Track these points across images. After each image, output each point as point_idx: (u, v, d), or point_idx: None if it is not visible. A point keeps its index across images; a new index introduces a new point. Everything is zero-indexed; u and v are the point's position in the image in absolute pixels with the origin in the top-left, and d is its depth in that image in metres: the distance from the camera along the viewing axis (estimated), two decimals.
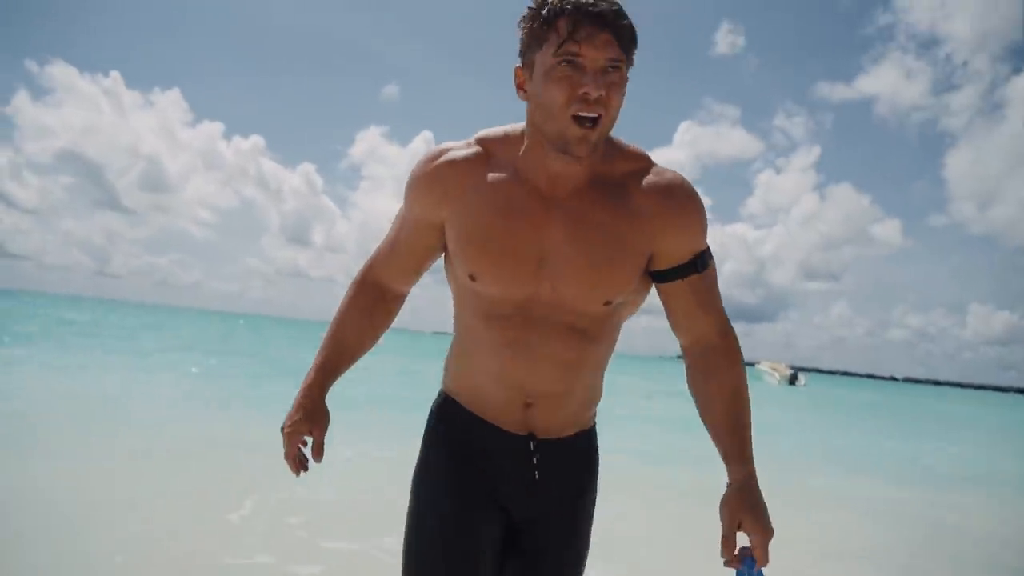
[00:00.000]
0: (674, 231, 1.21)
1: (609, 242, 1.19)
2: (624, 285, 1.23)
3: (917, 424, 20.88)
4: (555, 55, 1.07)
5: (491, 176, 1.20)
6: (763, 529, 1.13)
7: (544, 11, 1.09)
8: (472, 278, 1.23)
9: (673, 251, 1.21)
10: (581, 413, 1.35)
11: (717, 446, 1.24)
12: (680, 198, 1.21)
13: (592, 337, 1.26)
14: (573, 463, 1.36)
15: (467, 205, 1.20)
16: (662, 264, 1.23)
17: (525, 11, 1.13)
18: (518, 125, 1.23)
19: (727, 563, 1.15)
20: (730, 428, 1.22)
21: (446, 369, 1.42)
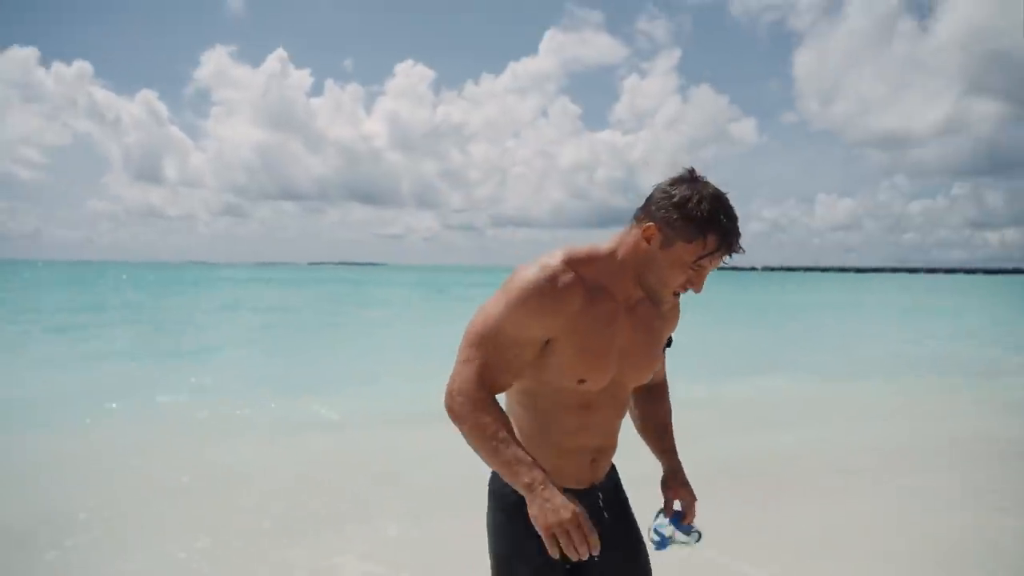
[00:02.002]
0: (671, 327, 1.69)
1: (657, 338, 1.62)
2: (659, 364, 1.71)
3: (775, 315, 27.30)
4: (694, 262, 1.43)
5: (589, 296, 1.46)
6: (692, 496, 1.74)
7: (705, 219, 1.39)
8: (582, 381, 1.50)
9: (667, 337, 1.70)
10: (615, 451, 1.71)
11: (656, 445, 1.80)
12: (677, 302, 1.65)
13: (629, 399, 1.70)
14: (617, 490, 1.74)
15: (579, 324, 1.45)
16: None
17: (688, 195, 1.41)
18: (602, 248, 1.51)
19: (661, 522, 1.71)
20: (668, 434, 1.80)
21: None
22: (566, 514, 1.30)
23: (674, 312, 1.67)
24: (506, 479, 1.37)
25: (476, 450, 1.40)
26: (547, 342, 1.45)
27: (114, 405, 7.59)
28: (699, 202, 1.38)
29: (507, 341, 1.43)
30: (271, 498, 4.59)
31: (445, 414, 1.45)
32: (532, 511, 1.32)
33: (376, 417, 7.25)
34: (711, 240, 1.39)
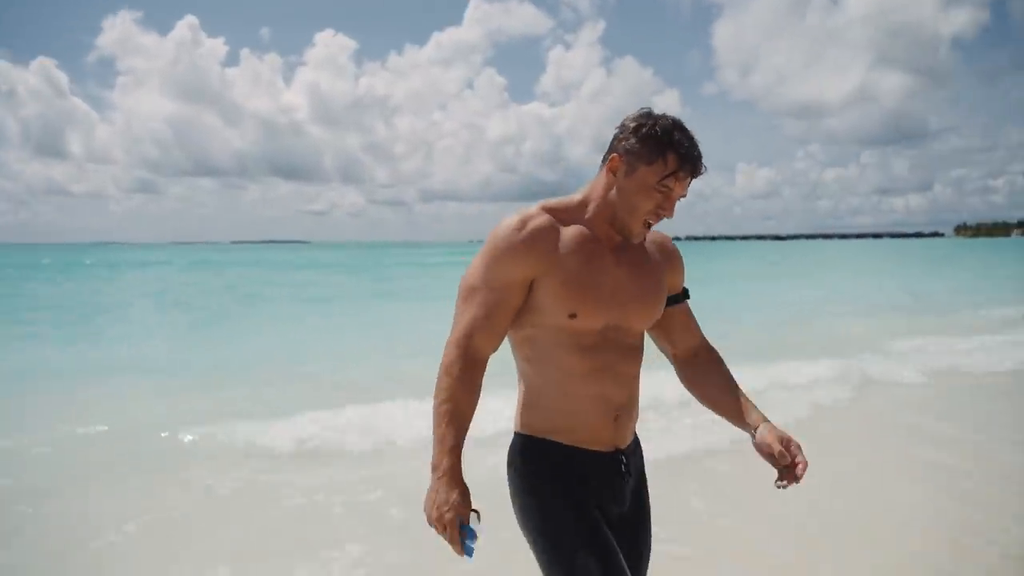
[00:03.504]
0: (672, 271, 1.67)
1: (654, 279, 1.60)
2: (662, 309, 1.66)
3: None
4: (658, 183, 1.46)
5: (569, 234, 1.51)
6: (798, 445, 1.53)
7: (661, 139, 1.44)
8: (573, 316, 1.49)
9: (674, 285, 1.68)
10: (637, 417, 1.66)
11: (735, 412, 1.63)
12: (673, 249, 1.68)
13: (641, 350, 1.64)
14: (639, 461, 1.68)
15: (560, 259, 1.49)
16: (668, 294, 1.67)
17: (644, 121, 1.48)
18: (575, 197, 1.58)
19: (785, 477, 1.52)
20: (742, 397, 1.64)
21: (525, 413, 1.61)
22: (446, 514, 1.37)
23: (671, 258, 1.69)
24: (433, 449, 1.44)
25: (432, 408, 1.48)
26: (532, 283, 1.50)
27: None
28: (654, 124, 1.46)
29: (491, 289, 1.49)
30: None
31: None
32: (426, 495, 1.41)
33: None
34: (671, 159, 1.45)
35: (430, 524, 1.41)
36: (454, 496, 1.39)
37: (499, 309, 1.50)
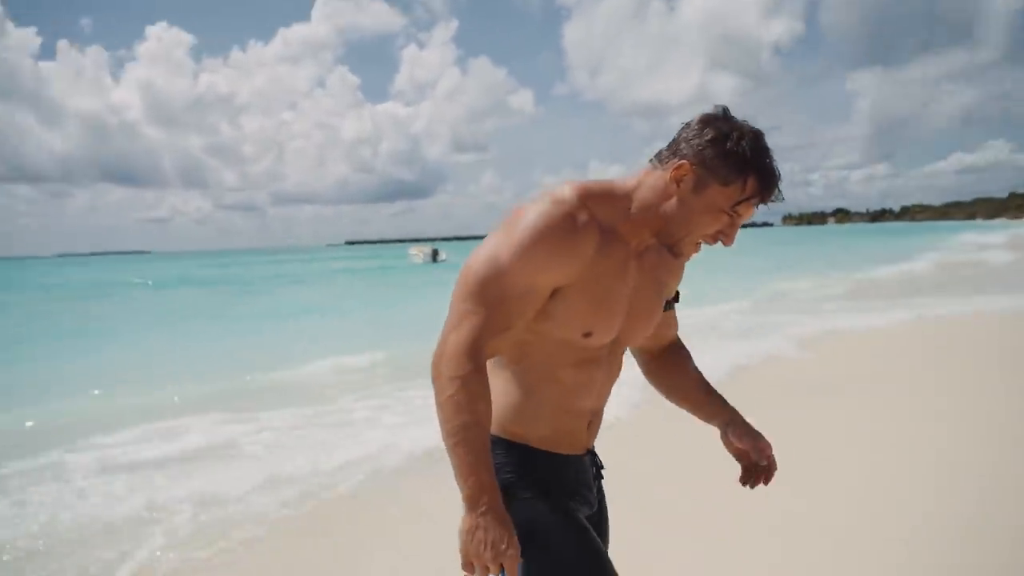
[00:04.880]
0: (677, 276, 1.47)
1: (663, 291, 1.42)
2: (669, 322, 1.54)
3: None
4: (731, 207, 1.23)
5: (606, 240, 1.26)
6: (766, 441, 1.46)
7: (748, 160, 1.19)
8: (587, 335, 1.30)
9: (671, 290, 1.47)
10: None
11: (703, 406, 1.54)
12: (683, 259, 1.42)
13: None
14: (597, 461, 1.51)
15: (592, 270, 1.24)
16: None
17: (727, 131, 1.20)
18: (618, 186, 1.29)
19: (752, 478, 1.48)
20: (711, 390, 1.55)
21: (496, 413, 1.32)
22: (506, 555, 1.17)
23: (680, 262, 1.44)
24: (456, 477, 1.19)
25: (442, 426, 1.20)
26: (555, 290, 1.26)
27: None
28: (739, 139, 1.20)
29: (514, 291, 1.21)
30: None
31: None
32: (463, 526, 1.18)
33: None
34: (751, 183, 1.21)
35: (471, 566, 1.19)
36: (507, 534, 1.18)
37: (520, 315, 1.25)
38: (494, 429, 1.33)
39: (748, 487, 1.50)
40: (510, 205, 1.30)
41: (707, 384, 1.57)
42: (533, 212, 1.23)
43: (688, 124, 1.27)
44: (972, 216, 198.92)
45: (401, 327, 13.36)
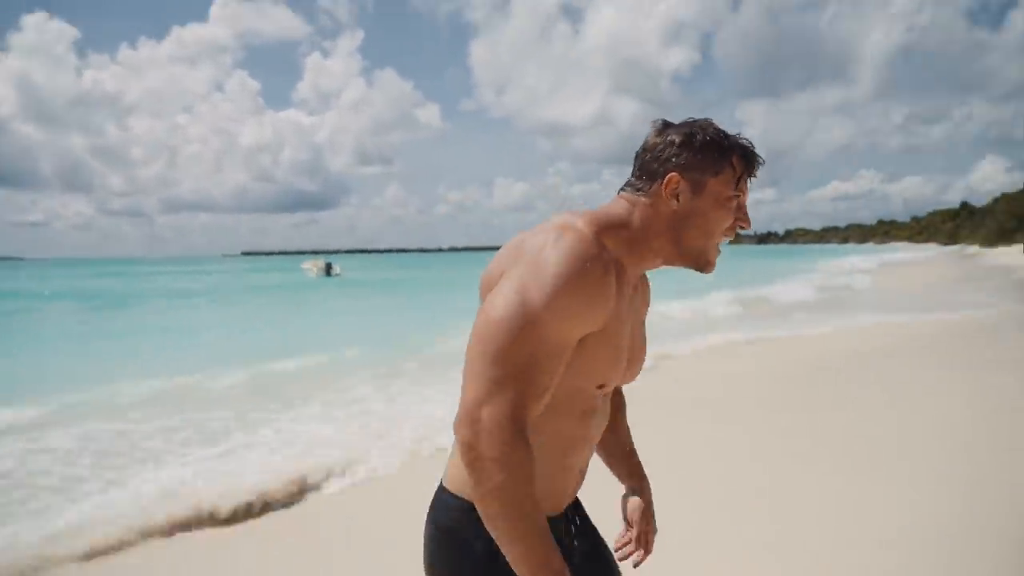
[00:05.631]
0: (647, 308, 1.36)
1: (644, 324, 1.32)
2: None
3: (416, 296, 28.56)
4: (735, 189, 1.18)
5: (622, 281, 1.15)
6: (654, 529, 1.45)
7: (721, 142, 1.17)
8: (601, 386, 1.19)
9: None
10: None
11: (620, 463, 1.46)
12: (648, 287, 1.34)
13: None
14: (578, 504, 1.39)
15: (614, 316, 1.13)
16: None
17: (692, 131, 1.17)
18: (617, 214, 1.19)
19: (629, 551, 1.42)
20: (633, 450, 1.47)
21: None
22: None
23: (648, 293, 1.36)
24: (522, 570, 1.04)
25: (493, 519, 1.04)
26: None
27: None
28: (704, 131, 1.18)
29: (550, 348, 1.05)
30: None
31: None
32: None
33: None
34: (736, 160, 1.18)
35: None
36: None
37: (556, 374, 1.09)
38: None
39: (623, 556, 1.42)
40: (516, 237, 1.17)
41: (631, 442, 1.50)
42: (559, 253, 1.08)
43: (645, 146, 1.22)
44: (846, 240, 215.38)
45: (254, 349, 12.46)
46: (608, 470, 1.50)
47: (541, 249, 1.09)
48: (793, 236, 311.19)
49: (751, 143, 1.21)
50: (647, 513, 1.44)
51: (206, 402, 7.55)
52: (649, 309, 1.37)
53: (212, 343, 14.80)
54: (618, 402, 1.48)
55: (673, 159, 1.17)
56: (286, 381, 8.70)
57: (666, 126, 1.21)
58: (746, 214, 1.22)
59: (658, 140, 1.19)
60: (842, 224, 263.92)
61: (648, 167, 1.19)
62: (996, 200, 70.53)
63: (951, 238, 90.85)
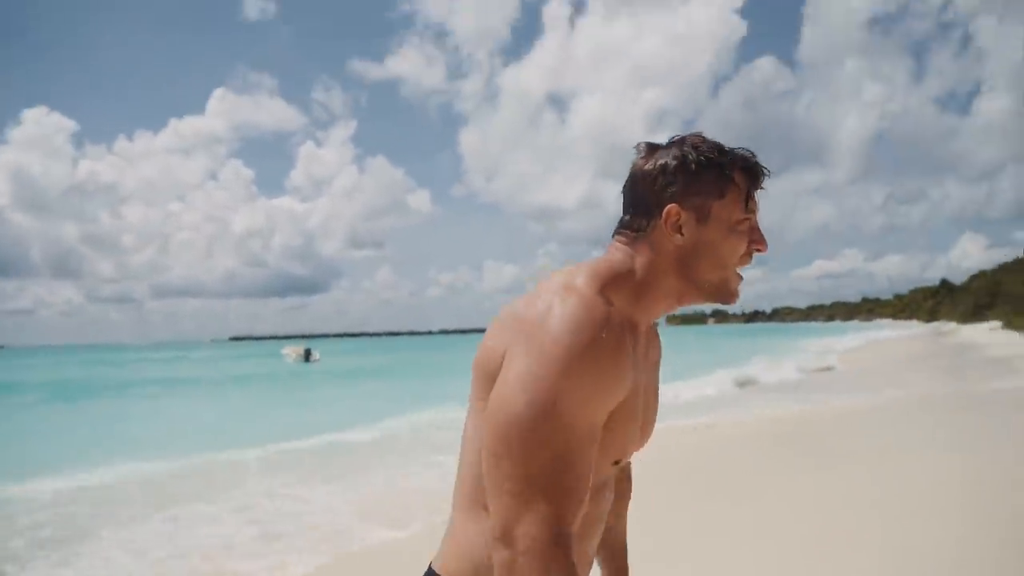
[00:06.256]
0: (659, 358, 1.20)
1: (657, 378, 1.17)
2: None
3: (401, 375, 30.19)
4: (745, 211, 1.04)
5: (633, 343, 1.01)
6: None
7: (720, 159, 1.03)
8: (616, 462, 1.05)
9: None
10: None
11: (610, 559, 1.28)
12: (659, 337, 1.17)
13: None
14: None
15: (633, 384, 1.00)
16: None
17: (685, 153, 1.03)
18: (618, 263, 1.05)
19: None
20: (625, 547, 1.28)
21: (485, 567, 0.99)
22: None
23: (658, 340, 1.22)
24: None
25: None
26: None
27: None
28: (696, 149, 1.03)
29: (579, 441, 0.91)
30: None
31: None
32: None
33: None
34: (739, 175, 1.04)
35: None
36: None
37: (590, 469, 0.93)
38: None
39: None
40: (510, 305, 1.02)
41: (625, 538, 1.36)
42: (565, 325, 0.92)
43: (633, 176, 1.07)
44: (831, 318, 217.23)
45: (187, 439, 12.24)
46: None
47: (544, 321, 0.93)
48: (780, 314, 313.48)
49: (752, 153, 1.06)
50: None
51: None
52: (661, 359, 1.22)
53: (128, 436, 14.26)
54: (624, 489, 1.33)
55: (669, 188, 1.03)
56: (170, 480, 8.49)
57: (652, 149, 1.07)
58: (761, 235, 1.07)
59: (647, 168, 1.05)
60: (827, 302, 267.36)
61: (641, 202, 1.06)
62: (973, 277, 71.91)
63: (931, 315, 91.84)
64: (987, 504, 4.54)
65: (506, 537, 0.88)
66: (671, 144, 1.06)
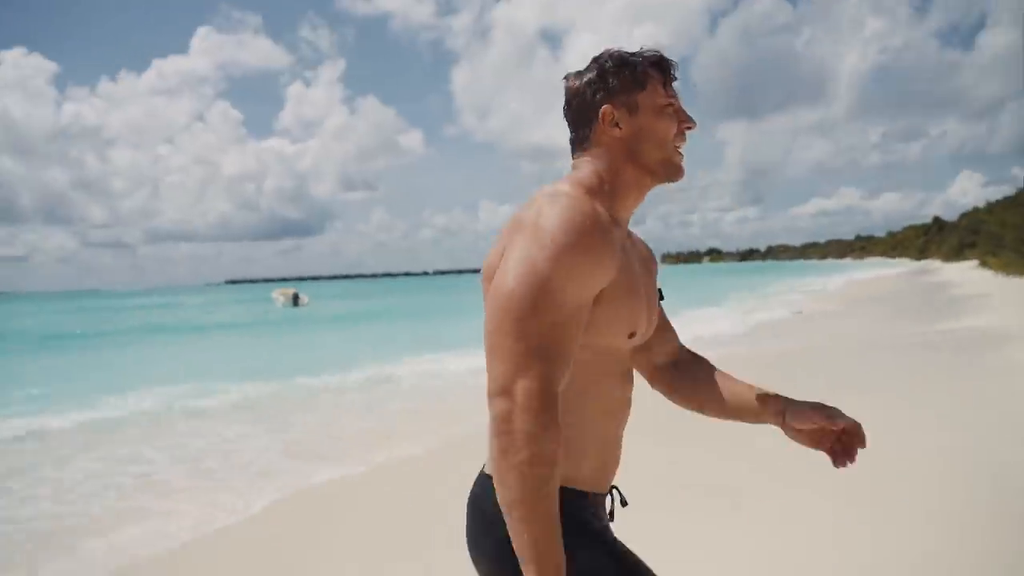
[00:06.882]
0: (655, 268, 1.38)
1: (653, 275, 1.32)
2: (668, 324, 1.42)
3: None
4: (666, 95, 1.21)
5: (615, 227, 1.16)
6: (838, 411, 1.21)
7: (631, 59, 1.21)
8: (632, 335, 1.18)
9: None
10: None
11: (752, 402, 1.32)
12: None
13: None
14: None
15: (622, 262, 1.14)
16: None
17: (603, 64, 1.21)
18: (587, 174, 1.20)
19: (840, 454, 1.23)
20: (752, 387, 1.33)
21: None
22: None
23: (648, 249, 1.39)
24: (525, 553, 0.99)
25: (508, 491, 1.00)
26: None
27: None
28: (610, 58, 1.21)
29: (570, 311, 1.04)
30: None
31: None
32: None
33: None
34: (652, 69, 1.21)
35: None
36: None
37: (578, 338, 1.08)
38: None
39: (849, 464, 1.23)
40: (514, 215, 1.14)
41: (741, 381, 1.39)
42: (557, 216, 1.07)
43: (567, 98, 1.25)
44: (825, 256, 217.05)
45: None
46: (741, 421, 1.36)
47: (537, 217, 1.08)
48: (775, 252, 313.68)
49: (657, 50, 1.24)
50: (812, 406, 1.24)
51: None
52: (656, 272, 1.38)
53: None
54: (695, 357, 1.44)
55: (598, 95, 1.21)
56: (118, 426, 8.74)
57: (577, 73, 1.24)
58: (687, 115, 1.24)
59: (576, 85, 1.23)
60: (823, 240, 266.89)
61: (580, 115, 1.23)
62: (963, 215, 71.64)
63: (922, 253, 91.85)
64: (892, 446, 4.80)
65: (506, 389, 1.01)
66: (590, 63, 1.25)
